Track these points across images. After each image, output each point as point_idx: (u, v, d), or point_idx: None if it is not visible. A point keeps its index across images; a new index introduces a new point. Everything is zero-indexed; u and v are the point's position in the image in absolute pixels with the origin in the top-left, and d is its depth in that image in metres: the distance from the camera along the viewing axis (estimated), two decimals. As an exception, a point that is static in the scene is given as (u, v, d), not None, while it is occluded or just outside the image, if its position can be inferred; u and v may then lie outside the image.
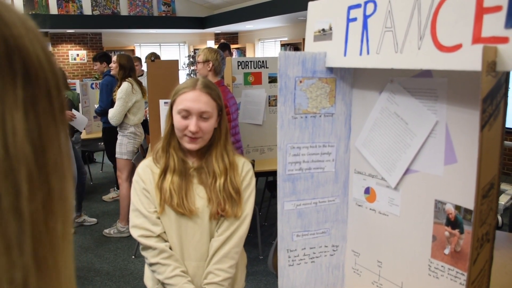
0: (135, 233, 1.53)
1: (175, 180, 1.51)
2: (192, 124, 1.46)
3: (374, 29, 1.12)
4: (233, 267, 1.56)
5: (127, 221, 4.29)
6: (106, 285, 3.43)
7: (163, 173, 1.53)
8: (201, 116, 1.48)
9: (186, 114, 1.47)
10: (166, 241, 1.54)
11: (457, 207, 1.08)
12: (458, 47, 0.90)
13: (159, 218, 1.53)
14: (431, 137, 1.13)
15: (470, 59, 0.87)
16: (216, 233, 1.56)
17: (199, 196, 1.54)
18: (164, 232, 1.53)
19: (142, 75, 5.55)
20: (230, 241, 1.54)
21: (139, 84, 4.27)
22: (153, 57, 5.00)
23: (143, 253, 1.54)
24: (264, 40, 11.97)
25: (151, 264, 1.52)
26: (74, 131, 4.52)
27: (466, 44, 0.88)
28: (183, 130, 1.48)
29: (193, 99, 1.47)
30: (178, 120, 1.49)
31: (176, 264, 1.51)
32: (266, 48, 11.98)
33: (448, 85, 1.08)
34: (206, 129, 1.49)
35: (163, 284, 1.51)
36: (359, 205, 1.40)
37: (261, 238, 3.82)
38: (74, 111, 4.31)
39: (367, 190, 1.36)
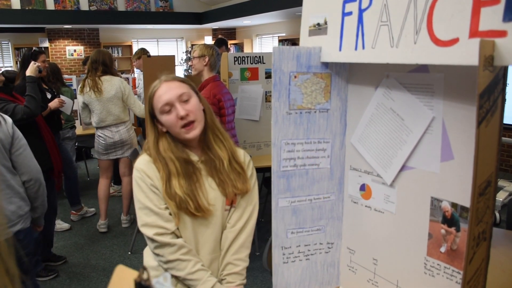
0: (148, 231, 1.47)
1: (183, 183, 1.47)
2: (179, 109, 1.45)
3: (369, 23, 1.10)
4: (248, 256, 1.58)
5: (105, 216, 4.24)
6: (102, 281, 3.41)
7: (167, 180, 1.47)
8: (181, 99, 1.47)
9: (169, 107, 1.47)
10: (180, 236, 1.51)
11: (454, 205, 1.07)
12: (454, 41, 0.88)
13: (171, 214, 1.48)
14: (428, 133, 1.12)
15: (467, 54, 0.85)
16: (228, 224, 1.56)
17: (211, 188, 1.52)
18: (177, 227, 1.50)
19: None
20: (245, 230, 1.56)
21: (95, 83, 3.96)
22: (144, 53, 4.99)
23: (158, 251, 1.48)
24: (262, 35, 11.93)
25: (168, 261, 1.47)
26: (62, 127, 4.48)
27: (463, 38, 0.86)
28: (176, 123, 1.46)
29: (166, 90, 1.48)
30: (166, 119, 1.47)
31: (196, 258, 1.50)
32: (264, 44, 11.94)
33: (445, 80, 1.06)
34: (193, 108, 1.48)
35: (183, 280, 1.48)
36: (355, 202, 1.38)
37: (258, 235, 3.80)
38: (62, 97, 4.27)
39: (363, 187, 1.35)
